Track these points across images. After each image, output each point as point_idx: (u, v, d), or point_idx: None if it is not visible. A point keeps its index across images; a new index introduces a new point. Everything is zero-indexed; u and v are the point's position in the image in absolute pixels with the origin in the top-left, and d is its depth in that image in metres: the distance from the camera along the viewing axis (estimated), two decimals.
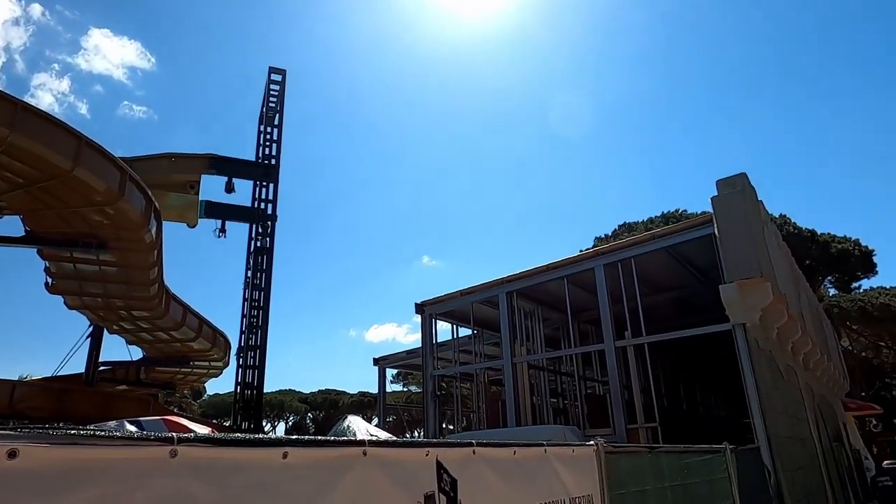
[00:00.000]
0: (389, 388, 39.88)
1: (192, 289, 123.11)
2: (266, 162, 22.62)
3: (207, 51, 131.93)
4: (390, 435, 12.43)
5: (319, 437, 2.24)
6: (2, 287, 76.16)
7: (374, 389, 28.32)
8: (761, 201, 13.45)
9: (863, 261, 36.57)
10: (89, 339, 21.59)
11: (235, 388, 20.52)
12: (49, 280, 18.24)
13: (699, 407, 23.55)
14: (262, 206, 22.04)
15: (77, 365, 21.94)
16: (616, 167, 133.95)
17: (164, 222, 16.73)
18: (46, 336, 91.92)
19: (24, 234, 15.18)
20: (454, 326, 19.33)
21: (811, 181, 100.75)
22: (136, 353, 25.07)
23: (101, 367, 22.53)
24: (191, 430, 9.33)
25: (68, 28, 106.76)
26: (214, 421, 41.63)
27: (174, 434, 1.64)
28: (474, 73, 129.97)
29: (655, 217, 39.13)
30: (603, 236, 41.08)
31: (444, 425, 21.62)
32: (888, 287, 35.42)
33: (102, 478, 1.46)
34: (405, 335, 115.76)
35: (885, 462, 19.21)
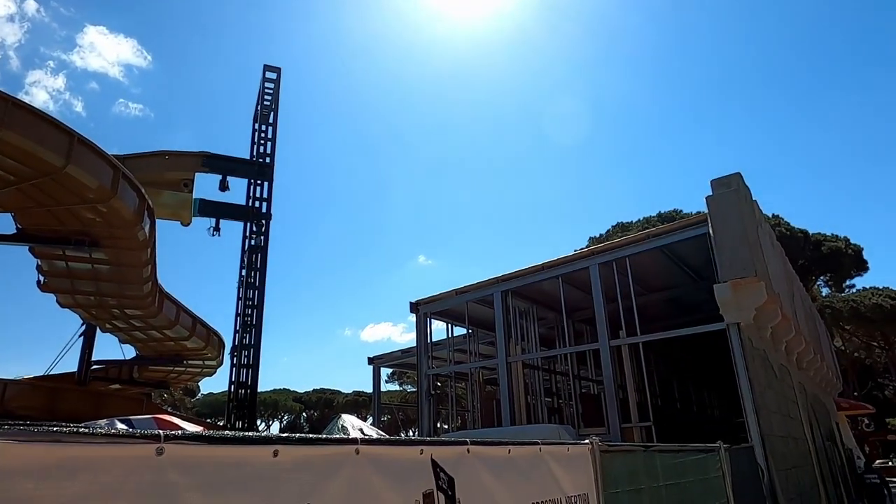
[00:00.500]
0: (384, 387, 39.92)
1: (186, 287, 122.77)
2: (261, 160, 22.55)
3: (204, 49, 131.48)
4: (383, 433, 12.38)
5: (311, 436, 2.21)
6: None
7: (370, 389, 28.27)
8: (755, 201, 13.48)
9: (854, 259, 36.76)
10: (82, 337, 21.42)
11: (229, 387, 20.44)
12: (41, 278, 18.11)
13: (693, 406, 23.63)
14: (257, 204, 21.98)
15: (70, 364, 21.76)
16: (611, 167, 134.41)
17: (157, 220, 16.63)
18: (40, 335, 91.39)
19: (15, 231, 15.04)
20: (449, 325, 19.29)
21: (804, 182, 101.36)
22: (129, 352, 24.96)
23: (94, 366, 22.35)
24: (181, 429, 9.26)
25: (63, 25, 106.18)
26: (208, 420, 41.55)
27: (161, 432, 1.61)
28: (472, 73, 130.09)
29: (651, 216, 39.21)
30: (598, 236, 41.18)
31: (438, 424, 21.60)
32: (881, 287, 35.70)
33: (86, 476, 1.42)
34: (400, 334, 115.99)
35: (877, 462, 19.38)
